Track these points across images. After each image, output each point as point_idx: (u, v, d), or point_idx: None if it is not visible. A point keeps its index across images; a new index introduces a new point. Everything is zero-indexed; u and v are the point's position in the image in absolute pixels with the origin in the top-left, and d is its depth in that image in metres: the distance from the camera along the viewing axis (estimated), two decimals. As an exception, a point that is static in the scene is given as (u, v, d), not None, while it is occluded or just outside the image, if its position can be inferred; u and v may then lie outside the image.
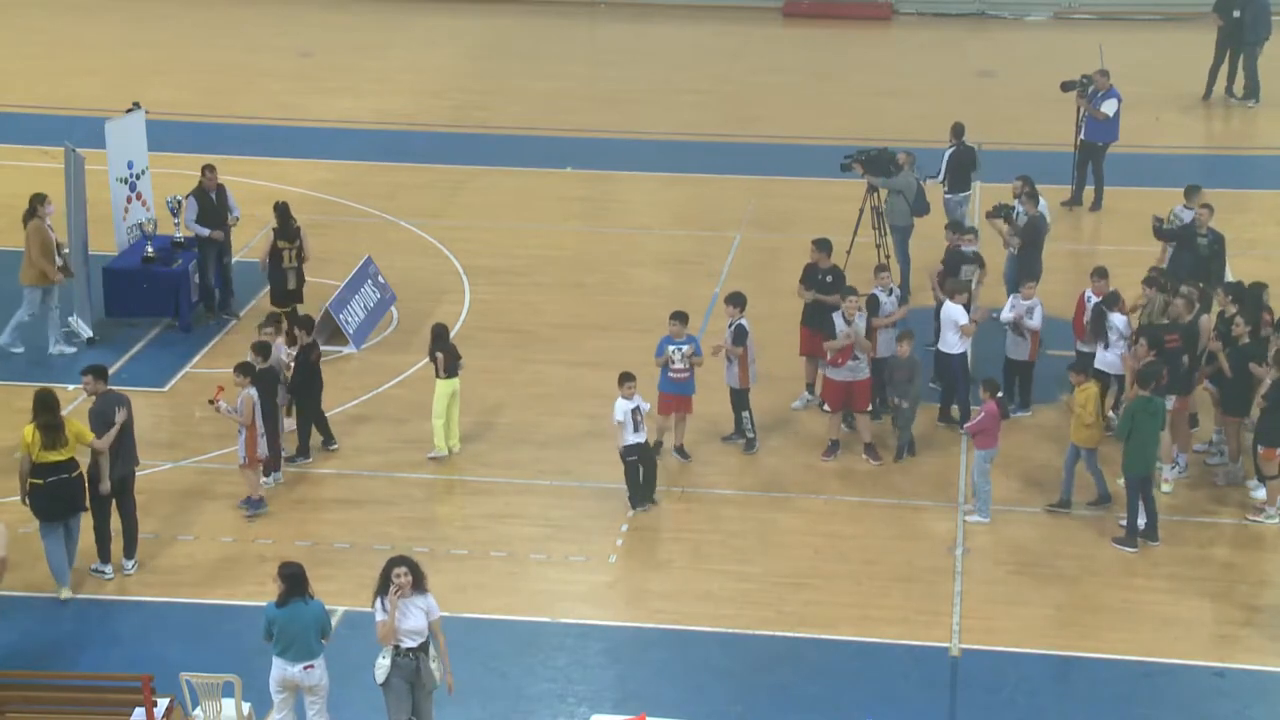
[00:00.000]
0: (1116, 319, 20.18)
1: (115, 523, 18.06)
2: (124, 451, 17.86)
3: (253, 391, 18.75)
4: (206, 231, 23.51)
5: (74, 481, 17.59)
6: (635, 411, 18.98)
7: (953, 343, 20.65)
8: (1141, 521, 18.51)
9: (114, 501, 17.91)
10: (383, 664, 14.69)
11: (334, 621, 16.91)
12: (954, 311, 20.61)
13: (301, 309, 22.48)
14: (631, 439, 19.05)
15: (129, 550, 18.09)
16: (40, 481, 17.46)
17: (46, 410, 17.52)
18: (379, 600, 14.59)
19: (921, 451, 20.50)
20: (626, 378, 19.02)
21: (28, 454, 17.42)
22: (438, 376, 20.19)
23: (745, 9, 41.37)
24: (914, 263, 23.95)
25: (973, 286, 21.44)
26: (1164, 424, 18.72)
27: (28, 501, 17.53)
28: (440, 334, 20.40)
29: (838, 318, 20.09)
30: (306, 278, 23.27)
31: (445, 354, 20.19)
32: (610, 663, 16.80)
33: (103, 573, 17.97)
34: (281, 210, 23.16)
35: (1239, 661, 16.78)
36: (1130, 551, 18.40)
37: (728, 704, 15.99)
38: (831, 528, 19.07)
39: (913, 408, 20.37)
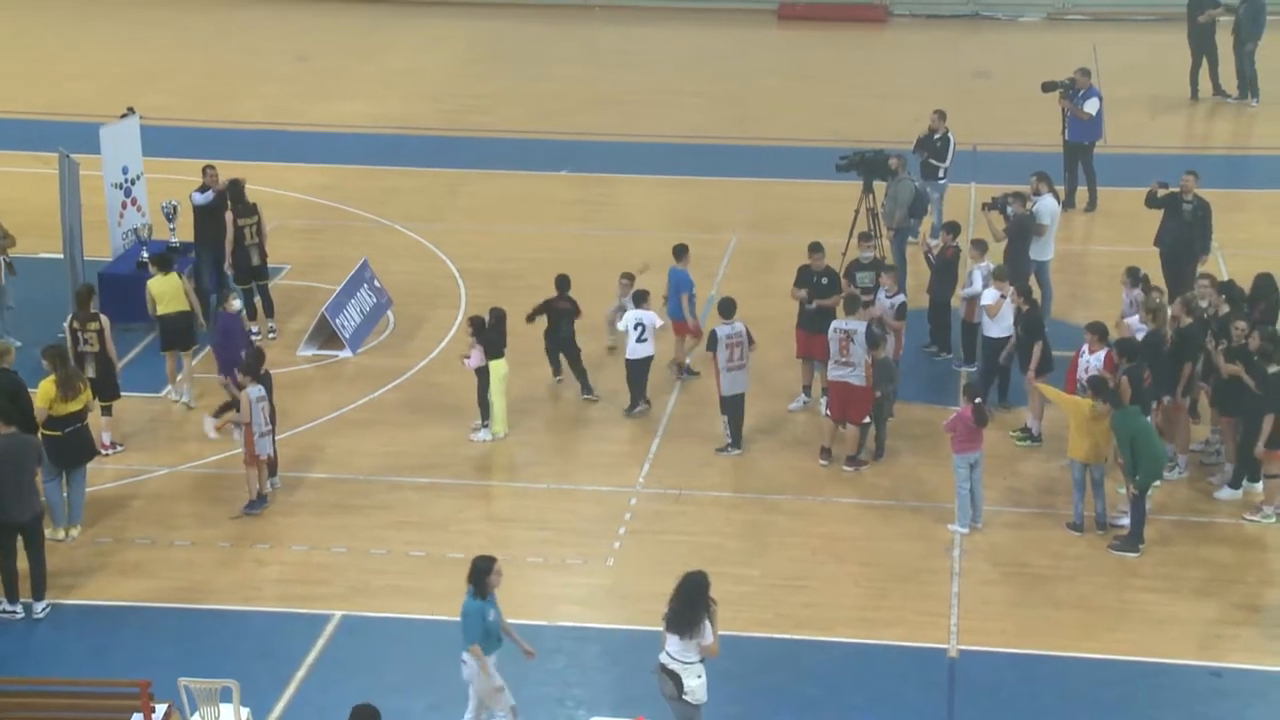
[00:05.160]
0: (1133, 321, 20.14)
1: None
2: (29, 493, 17.20)
3: (252, 390, 18.78)
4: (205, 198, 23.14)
5: (85, 429, 18.46)
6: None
7: (989, 326, 20.87)
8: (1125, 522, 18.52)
9: (20, 541, 17.19)
10: (704, 682, 14.58)
11: (331, 626, 16.98)
12: (986, 294, 20.90)
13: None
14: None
15: (38, 592, 17.30)
16: (59, 433, 18.04)
17: (64, 362, 18.30)
18: (707, 622, 14.47)
19: (921, 453, 20.48)
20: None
21: (44, 408, 17.89)
22: None
23: (740, 11, 41.38)
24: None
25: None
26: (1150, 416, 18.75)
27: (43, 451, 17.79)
28: (494, 316, 20.67)
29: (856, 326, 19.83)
30: (269, 255, 23.36)
31: (487, 340, 20.46)
32: (608, 666, 16.78)
33: (13, 613, 17.21)
34: (235, 187, 23.02)
35: (1237, 661, 16.76)
36: (1132, 557, 18.35)
37: (727, 706, 15.97)
38: (829, 529, 19.05)
39: (888, 408, 20.31)
